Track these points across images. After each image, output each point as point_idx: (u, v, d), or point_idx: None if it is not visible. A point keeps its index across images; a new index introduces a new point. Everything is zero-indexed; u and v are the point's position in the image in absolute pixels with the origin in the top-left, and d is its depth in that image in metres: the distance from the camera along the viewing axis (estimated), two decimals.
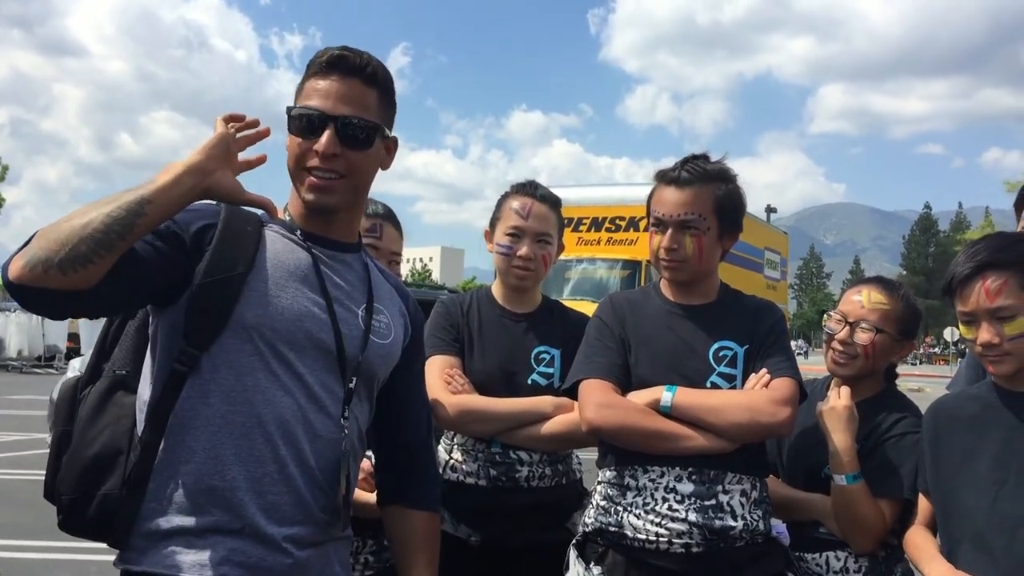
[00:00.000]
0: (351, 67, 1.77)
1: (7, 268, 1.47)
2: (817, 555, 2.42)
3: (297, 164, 1.77)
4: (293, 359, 1.73)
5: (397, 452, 2.07)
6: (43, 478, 1.81)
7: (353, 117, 1.76)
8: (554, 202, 2.82)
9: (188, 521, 1.64)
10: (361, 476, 2.26)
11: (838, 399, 2.37)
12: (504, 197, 2.84)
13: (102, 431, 1.72)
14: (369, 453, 2.26)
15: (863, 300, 2.50)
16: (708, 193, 2.32)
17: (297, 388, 1.73)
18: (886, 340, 2.47)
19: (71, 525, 1.74)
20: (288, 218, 1.86)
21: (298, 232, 1.84)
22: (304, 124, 1.74)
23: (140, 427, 1.70)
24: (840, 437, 2.32)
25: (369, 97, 1.80)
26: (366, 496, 2.29)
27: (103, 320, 1.89)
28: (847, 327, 2.48)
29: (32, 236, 1.48)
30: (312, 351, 1.76)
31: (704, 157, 2.38)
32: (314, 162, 1.75)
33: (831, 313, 2.57)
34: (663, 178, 2.37)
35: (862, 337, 2.45)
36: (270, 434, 1.70)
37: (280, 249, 1.79)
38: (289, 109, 1.77)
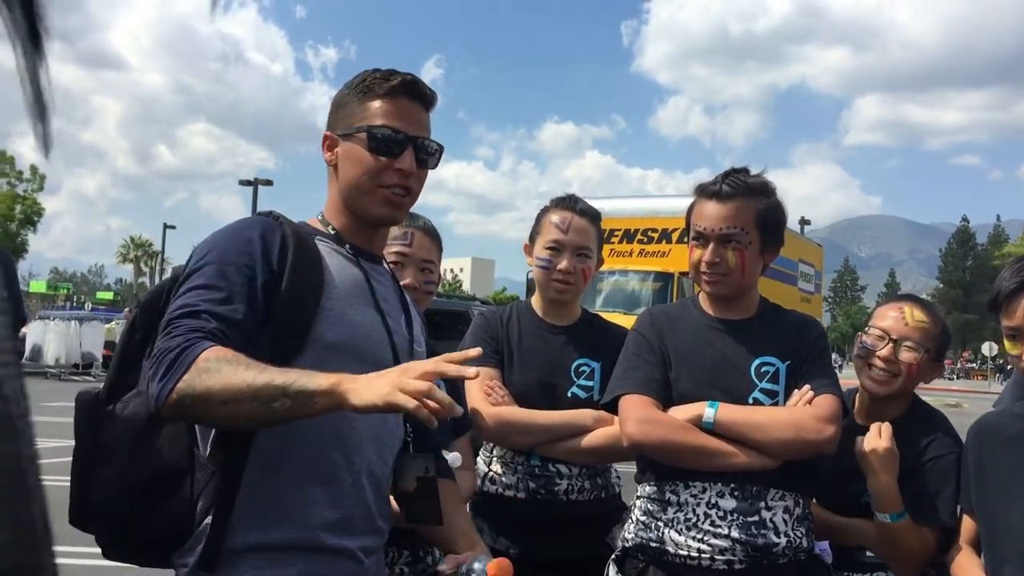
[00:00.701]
0: (419, 93, 1.87)
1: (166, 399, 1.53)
2: (863, 575, 2.40)
3: (373, 180, 1.83)
4: (364, 373, 1.77)
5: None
6: None
7: (429, 140, 1.88)
8: (594, 216, 2.82)
9: (265, 537, 1.66)
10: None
11: (879, 439, 2.31)
12: (544, 211, 2.85)
13: (157, 451, 1.70)
14: None
15: (906, 318, 2.45)
16: (750, 207, 2.31)
17: None
18: (927, 360, 2.43)
19: (123, 545, 1.73)
20: (332, 231, 1.89)
21: (347, 246, 1.88)
22: (387, 143, 1.82)
23: (203, 445, 1.70)
24: (882, 479, 2.29)
25: (429, 122, 1.91)
26: None
27: None
28: (890, 344, 2.44)
29: (192, 364, 1.52)
30: (375, 364, 1.78)
31: (745, 171, 2.37)
32: (393, 179, 1.83)
33: (870, 329, 2.51)
34: (704, 192, 2.36)
35: (907, 356, 2.41)
36: (347, 449, 1.75)
37: (337, 264, 1.83)
38: (371, 128, 1.81)
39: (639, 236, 15.68)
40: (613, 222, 15.51)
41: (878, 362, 2.45)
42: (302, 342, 1.68)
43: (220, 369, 1.49)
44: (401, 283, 2.53)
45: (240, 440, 1.66)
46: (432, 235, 2.68)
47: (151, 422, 1.69)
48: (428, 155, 1.88)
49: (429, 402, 1.41)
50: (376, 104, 1.84)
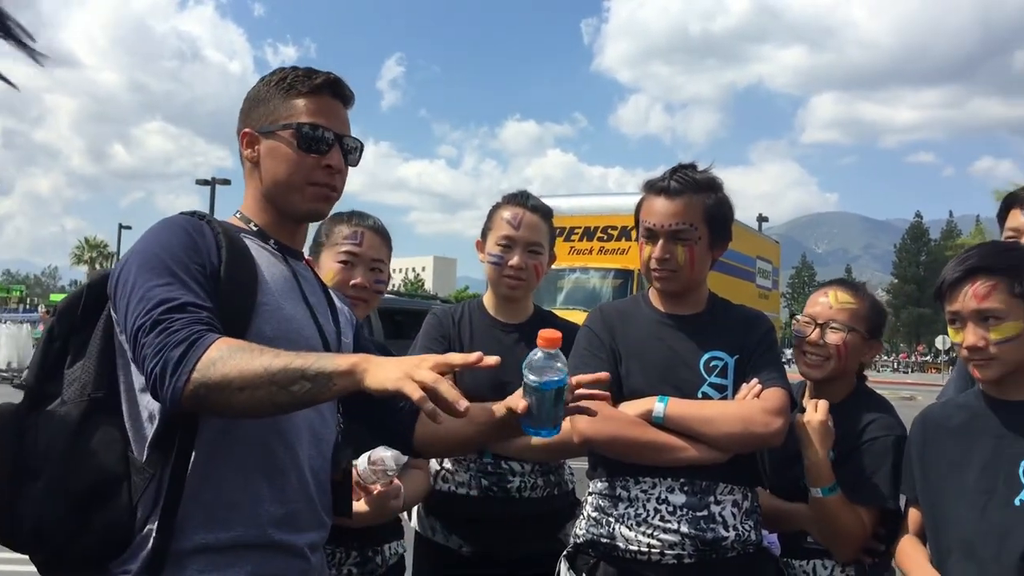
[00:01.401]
0: (341, 92, 1.89)
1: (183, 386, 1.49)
2: (804, 562, 2.43)
3: (304, 178, 1.83)
4: None
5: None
6: None
7: (354, 138, 1.90)
8: (545, 212, 2.82)
9: (211, 538, 1.63)
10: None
11: (814, 413, 2.36)
12: (495, 207, 2.84)
13: (90, 459, 1.63)
14: (356, 462, 2.26)
15: (830, 301, 2.53)
16: (698, 202, 2.32)
17: None
18: (856, 339, 2.49)
19: (62, 559, 1.65)
20: (255, 227, 1.88)
21: (272, 242, 1.87)
22: (316, 141, 1.82)
23: (138, 448, 1.66)
24: (814, 451, 2.32)
25: (349, 120, 1.92)
26: (354, 505, 2.28)
27: None
28: (817, 328, 2.50)
29: (212, 351, 1.49)
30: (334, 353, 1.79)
31: (692, 166, 2.38)
32: (321, 176, 1.83)
33: (799, 316, 2.58)
34: (652, 188, 2.37)
35: (833, 337, 2.47)
36: (289, 444, 1.73)
37: (266, 261, 1.82)
38: (299, 125, 1.81)
39: (599, 234, 15.72)
40: (573, 220, 15.56)
41: (808, 347, 2.51)
42: (242, 337, 1.64)
43: (234, 357, 1.48)
44: (351, 283, 2.52)
45: (179, 440, 1.63)
46: (382, 234, 2.67)
47: (80, 430, 1.64)
48: (352, 152, 1.90)
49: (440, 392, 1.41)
50: (301, 102, 1.84)
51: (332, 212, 2.70)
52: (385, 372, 1.44)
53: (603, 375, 1.69)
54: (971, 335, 2.06)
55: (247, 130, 1.87)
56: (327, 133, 1.83)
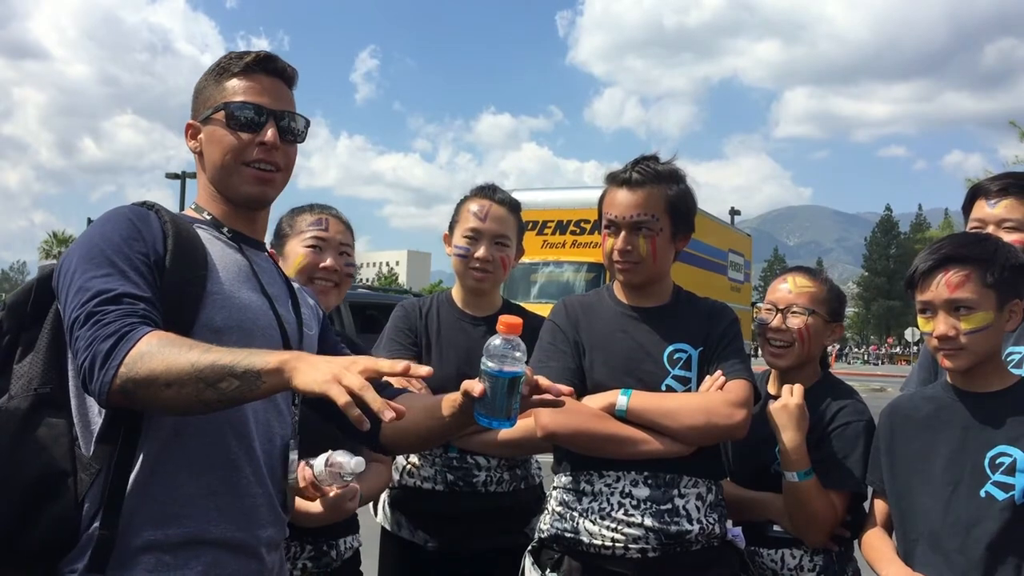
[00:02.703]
0: (276, 68, 1.84)
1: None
2: (773, 551, 2.43)
3: (236, 158, 1.78)
4: None
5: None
6: None
7: (293, 112, 1.83)
8: (513, 205, 2.80)
9: (160, 535, 1.59)
10: (302, 484, 2.22)
11: (790, 396, 2.37)
12: (463, 200, 2.82)
13: (36, 454, 1.58)
14: (313, 461, 2.21)
15: (790, 287, 2.54)
16: (660, 193, 2.31)
17: None
18: (818, 323, 2.50)
19: (7, 556, 1.60)
20: (208, 216, 1.84)
21: (226, 230, 1.84)
22: (247, 119, 1.78)
23: (85, 443, 1.62)
24: (791, 435, 2.33)
25: (291, 97, 1.87)
26: (307, 505, 2.25)
27: None
28: (778, 314, 2.51)
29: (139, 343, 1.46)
30: (269, 348, 1.73)
31: (654, 158, 2.37)
32: (256, 155, 1.79)
33: (760, 305, 2.60)
34: (614, 180, 2.36)
35: (795, 321, 2.48)
36: (243, 437, 1.70)
37: (219, 251, 1.78)
38: (227, 104, 1.78)
39: (572, 227, 15.76)
40: (546, 214, 15.58)
41: (771, 334, 2.52)
42: (189, 328, 1.61)
43: (162, 351, 1.44)
44: (321, 265, 2.49)
45: (127, 435, 1.59)
46: (344, 222, 2.66)
47: (25, 425, 1.60)
48: (293, 130, 1.84)
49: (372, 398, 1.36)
50: (232, 83, 1.81)
51: (292, 207, 2.67)
52: (313, 373, 1.40)
53: (566, 388, 1.63)
54: (942, 324, 2.06)
55: (189, 122, 1.85)
56: (257, 109, 1.78)
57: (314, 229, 2.56)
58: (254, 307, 1.76)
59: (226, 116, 1.77)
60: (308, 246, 2.54)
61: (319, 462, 2.20)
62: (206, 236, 1.78)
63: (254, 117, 1.78)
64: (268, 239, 2.01)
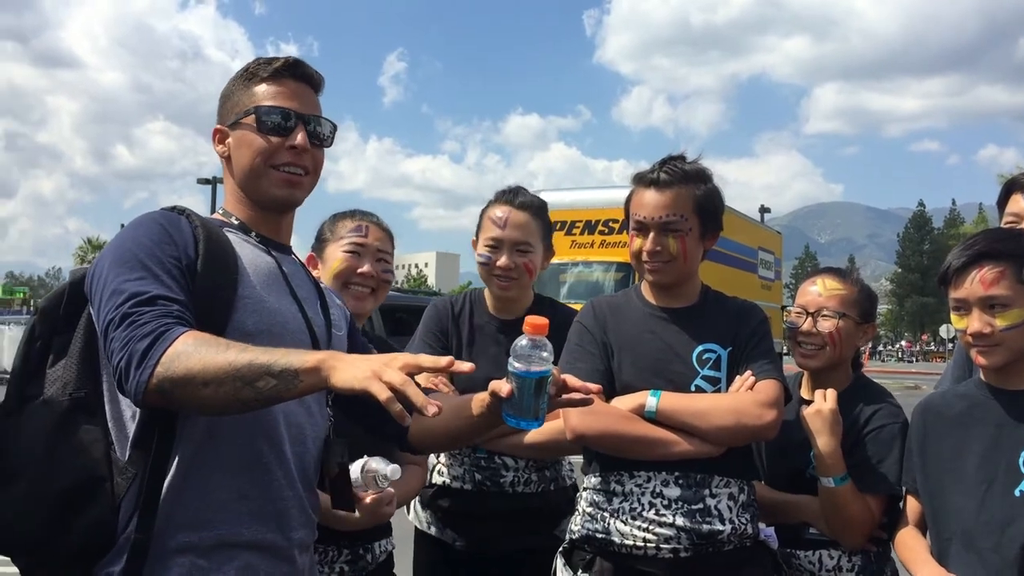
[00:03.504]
0: (303, 74, 1.86)
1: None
2: (810, 553, 2.41)
3: (266, 161, 1.80)
4: None
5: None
6: None
7: (320, 117, 1.85)
8: (536, 208, 2.77)
9: (195, 538, 1.61)
10: None
11: (823, 402, 2.35)
12: (486, 206, 2.82)
13: (73, 458, 1.60)
14: (353, 466, 2.23)
15: (819, 289, 2.52)
16: (688, 193, 2.31)
17: None
18: (849, 325, 2.48)
19: (45, 562, 1.63)
20: (236, 221, 1.86)
21: (253, 234, 1.85)
22: (276, 123, 1.79)
23: (120, 447, 1.64)
24: (825, 440, 2.31)
25: (318, 102, 1.89)
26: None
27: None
28: (808, 318, 2.49)
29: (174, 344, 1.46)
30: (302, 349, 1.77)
31: (681, 158, 2.37)
32: (285, 158, 1.80)
33: (790, 309, 2.58)
34: (642, 180, 2.35)
35: (826, 324, 2.46)
36: (274, 440, 1.71)
37: (249, 254, 1.79)
38: (257, 108, 1.79)
39: (600, 227, 15.74)
40: (574, 214, 15.57)
41: (801, 338, 2.50)
42: (221, 332, 1.61)
43: (199, 351, 1.44)
44: (358, 271, 2.51)
45: (161, 439, 1.61)
46: (385, 229, 2.68)
47: (61, 430, 1.62)
48: (320, 134, 1.85)
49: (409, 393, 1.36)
50: (262, 88, 1.82)
51: (335, 212, 2.69)
52: (352, 371, 1.40)
53: (594, 387, 1.63)
54: (976, 321, 2.04)
55: (216, 127, 1.86)
56: (287, 113, 1.80)
57: (353, 235, 2.58)
58: (284, 310, 1.78)
59: (256, 120, 1.79)
60: (346, 251, 2.56)
61: (355, 468, 2.21)
62: (235, 240, 1.79)
63: (283, 121, 1.79)
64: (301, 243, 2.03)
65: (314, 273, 2.48)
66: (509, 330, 2.76)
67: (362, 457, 2.23)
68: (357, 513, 2.25)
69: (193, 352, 1.44)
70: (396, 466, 2.19)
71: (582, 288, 14.51)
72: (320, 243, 2.64)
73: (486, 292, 2.86)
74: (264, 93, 1.81)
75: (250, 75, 1.83)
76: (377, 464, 2.19)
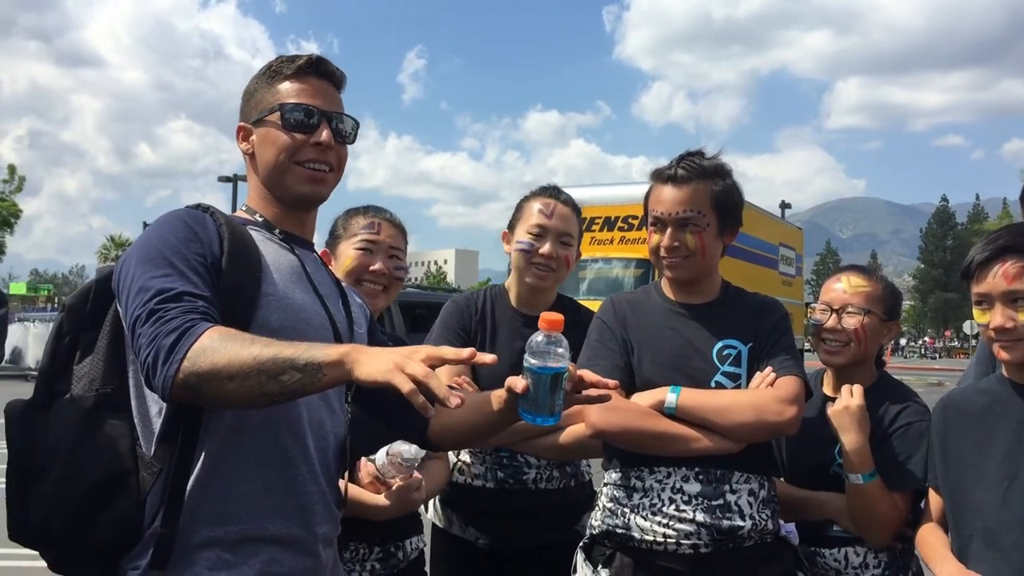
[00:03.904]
0: (326, 71, 1.87)
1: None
2: (835, 550, 2.40)
3: (290, 158, 1.81)
4: None
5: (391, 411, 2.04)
6: None
7: (343, 114, 1.87)
8: (576, 208, 2.82)
9: (220, 532, 1.63)
10: (367, 480, 2.26)
11: (851, 398, 2.35)
12: (526, 198, 2.82)
13: (99, 453, 1.63)
14: (374, 457, 2.25)
15: (844, 286, 2.51)
16: (706, 189, 2.31)
17: None
18: (874, 322, 2.47)
19: (72, 556, 1.66)
20: (260, 218, 1.87)
21: (277, 232, 1.86)
22: (300, 119, 1.81)
23: (146, 443, 1.66)
24: (853, 437, 2.31)
25: (341, 99, 1.91)
26: (374, 499, 2.28)
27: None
28: (833, 315, 2.48)
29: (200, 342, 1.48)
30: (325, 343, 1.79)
31: (699, 153, 2.37)
32: (309, 155, 1.82)
33: (815, 305, 2.57)
34: (660, 176, 2.36)
35: (850, 322, 2.45)
36: (298, 435, 1.73)
37: (272, 251, 1.81)
38: (282, 106, 1.81)
39: (619, 223, 15.68)
40: (594, 210, 15.53)
41: (826, 334, 2.49)
42: (246, 328, 1.63)
43: (224, 346, 1.46)
44: (370, 268, 2.52)
45: (187, 435, 1.63)
46: (398, 226, 2.68)
47: (88, 426, 1.64)
48: (343, 131, 1.87)
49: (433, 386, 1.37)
50: (285, 85, 1.84)
51: (348, 207, 2.70)
52: (375, 363, 1.41)
53: (612, 382, 1.64)
54: (999, 316, 2.03)
55: (240, 124, 1.88)
56: (312, 110, 1.81)
57: (365, 232, 2.58)
58: (307, 307, 1.79)
59: (280, 117, 1.80)
60: (358, 248, 2.56)
61: (380, 455, 2.24)
62: (259, 237, 1.80)
63: (307, 118, 1.81)
64: (316, 240, 2.05)
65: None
66: (533, 324, 2.76)
67: (385, 447, 2.25)
68: (385, 500, 2.27)
69: (219, 347, 1.46)
70: (415, 446, 2.19)
71: (601, 284, 14.48)
72: (333, 240, 2.65)
73: (508, 286, 2.86)
74: (288, 91, 1.83)
75: (273, 73, 1.85)
76: (400, 446, 2.21)
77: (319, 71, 1.86)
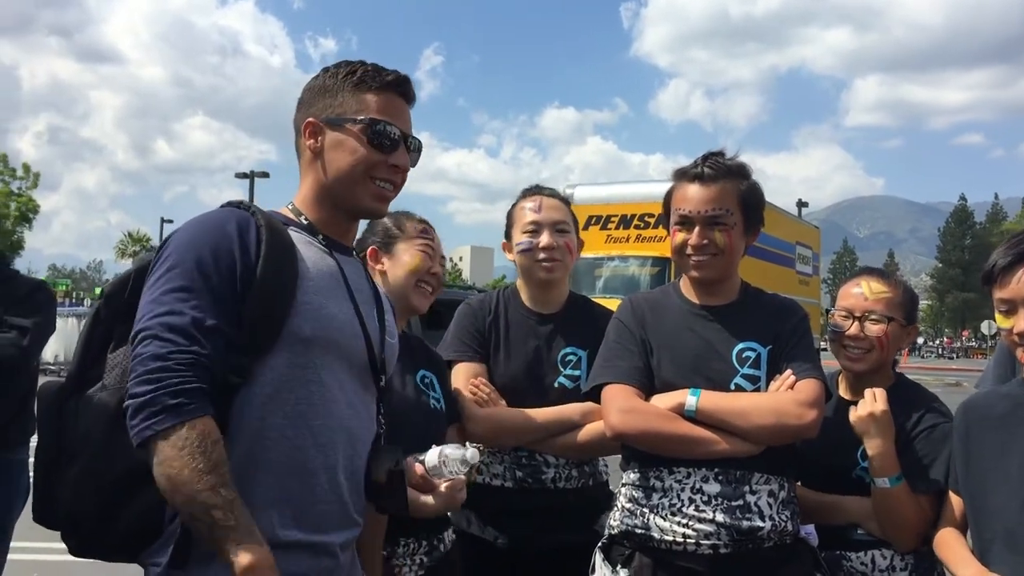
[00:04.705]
0: (409, 92, 1.92)
1: None
2: (862, 554, 2.40)
3: (367, 171, 1.84)
4: (338, 368, 1.78)
5: None
6: None
7: (417, 138, 1.93)
8: (563, 198, 2.85)
9: None
10: (416, 479, 2.27)
11: (875, 403, 2.33)
12: (513, 205, 2.87)
13: (128, 446, 1.60)
14: (423, 457, 2.26)
15: (865, 292, 2.50)
16: (732, 188, 2.32)
17: (342, 396, 1.78)
18: (896, 328, 2.47)
19: (93, 544, 1.69)
20: (305, 221, 1.88)
21: (320, 237, 1.87)
22: (386, 138, 1.84)
23: None
24: (879, 442, 2.30)
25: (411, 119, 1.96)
26: (422, 498, 2.29)
27: None
28: (855, 322, 2.47)
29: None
30: (350, 358, 1.81)
31: (721, 153, 2.38)
32: (383, 173, 1.86)
33: (834, 311, 2.56)
34: (685, 175, 2.36)
35: (874, 329, 2.45)
36: (322, 445, 1.74)
37: (312, 256, 1.81)
38: (372, 120, 1.83)
39: (636, 221, 15.66)
40: (610, 208, 15.50)
41: (848, 341, 2.48)
42: (276, 336, 1.65)
43: (184, 468, 1.52)
44: (432, 271, 2.58)
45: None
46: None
47: (118, 418, 1.63)
48: (414, 152, 1.92)
49: None
50: (371, 97, 1.85)
51: (395, 210, 2.74)
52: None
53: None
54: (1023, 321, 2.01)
55: (311, 119, 1.86)
56: (395, 131, 1.85)
57: (424, 237, 2.64)
58: (341, 318, 1.80)
59: (368, 130, 1.82)
60: (420, 250, 2.61)
61: (431, 456, 2.23)
62: (300, 240, 1.81)
63: (391, 139, 1.84)
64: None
65: (376, 268, 2.53)
66: (546, 324, 2.77)
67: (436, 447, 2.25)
68: (432, 500, 2.28)
69: (179, 464, 1.52)
70: (475, 450, 2.21)
71: (617, 283, 14.46)
72: (389, 239, 2.65)
73: (520, 287, 2.87)
74: (375, 104, 1.84)
75: (359, 80, 1.85)
76: (452, 451, 2.21)
77: (403, 91, 1.90)
